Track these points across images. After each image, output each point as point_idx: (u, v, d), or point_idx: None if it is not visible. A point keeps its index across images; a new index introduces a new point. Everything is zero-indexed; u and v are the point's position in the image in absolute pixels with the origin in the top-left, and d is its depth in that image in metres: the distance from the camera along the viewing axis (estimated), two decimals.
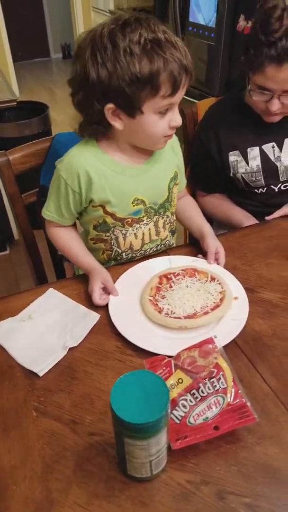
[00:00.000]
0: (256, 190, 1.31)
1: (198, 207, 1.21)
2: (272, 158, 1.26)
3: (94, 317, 0.88)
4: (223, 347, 0.78)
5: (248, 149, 1.26)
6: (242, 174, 1.29)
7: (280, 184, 1.30)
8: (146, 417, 0.52)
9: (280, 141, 1.25)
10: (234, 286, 0.95)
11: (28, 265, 1.38)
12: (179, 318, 0.86)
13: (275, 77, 1.06)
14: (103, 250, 1.07)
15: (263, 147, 1.26)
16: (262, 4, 1.07)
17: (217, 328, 0.86)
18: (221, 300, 0.90)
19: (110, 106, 0.85)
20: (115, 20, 0.82)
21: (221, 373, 0.69)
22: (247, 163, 1.27)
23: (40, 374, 0.78)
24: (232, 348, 0.81)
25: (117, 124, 0.88)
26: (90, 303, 0.92)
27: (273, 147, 1.25)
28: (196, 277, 0.96)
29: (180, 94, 0.86)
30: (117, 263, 1.08)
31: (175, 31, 2.78)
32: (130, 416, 0.52)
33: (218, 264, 1.02)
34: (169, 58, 0.80)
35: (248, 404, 0.67)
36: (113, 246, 1.05)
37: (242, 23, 2.32)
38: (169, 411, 0.61)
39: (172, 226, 1.13)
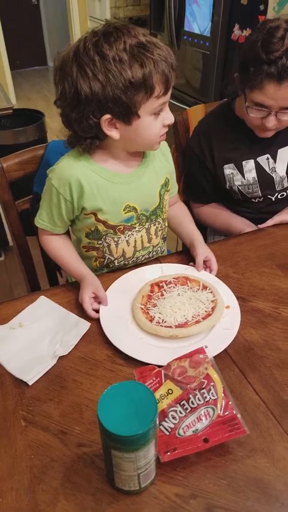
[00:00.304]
0: (253, 200, 1.32)
1: (189, 215, 1.22)
2: (267, 169, 1.27)
3: (84, 325, 0.88)
4: (214, 357, 0.77)
5: (243, 162, 1.26)
6: (238, 187, 1.29)
7: (276, 194, 1.30)
8: (134, 429, 0.51)
9: (274, 152, 1.26)
10: (226, 295, 0.94)
11: (21, 272, 1.37)
12: (170, 327, 0.86)
13: (274, 94, 1.06)
14: (96, 257, 1.07)
15: (258, 159, 1.26)
16: (264, 23, 1.07)
17: (208, 338, 0.85)
18: (213, 309, 0.89)
19: (106, 117, 0.85)
20: (93, 33, 0.83)
21: (211, 384, 0.69)
22: (243, 175, 1.27)
23: (30, 383, 0.77)
24: (223, 358, 0.81)
25: (114, 133, 0.88)
26: (81, 311, 0.91)
27: (267, 159, 1.26)
28: (188, 286, 0.96)
29: (170, 91, 0.88)
30: (109, 270, 1.08)
31: (170, 40, 2.80)
32: (117, 428, 0.51)
33: (210, 272, 1.02)
34: (157, 59, 0.81)
35: (239, 416, 0.66)
36: (106, 254, 1.05)
37: (237, 32, 2.34)
38: (158, 423, 0.61)
39: (163, 233, 1.13)
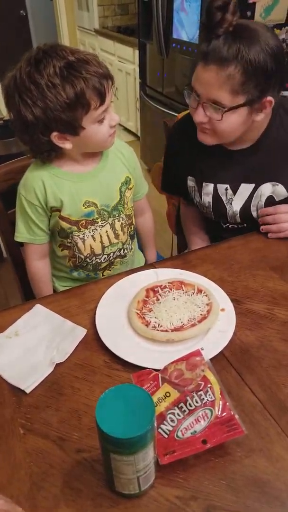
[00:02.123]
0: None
1: (151, 233, 1.33)
2: (224, 199, 1.20)
3: (81, 332, 0.88)
4: (211, 359, 0.78)
5: (204, 183, 1.21)
6: (196, 202, 1.27)
7: (228, 224, 1.27)
8: (132, 432, 0.52)
9: (236, 185, 1.18)
10: (221, 298, 0.95)
11: (15, 282, 1.37)
12: (166, 331, 0.86)
13: (200, 76, 0.99)
14: (68, 257, 1.14)
15: (218, 186, 1.19)
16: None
17: (204, 340, 0.85)
18: (208, 312, 0.90)
19: (54, 134, 0.94)
20: (27, 61, 0.91)
21: (208, 385, 0.69)
22: (200, 196, 1.23)
23: (27, 391, 0.77)
24: (219, 360, 0.81)
25: (66, 145, 0.98)
26: (77, 319, 0.92)
27: (226, 189, 1.19)
28: (183, 290, 0.96)
29: (109, 98, 0.95)
30: (87, 272, 1.15)
31: (159, 48, 2.83)
32: (115, 430, 0.52)
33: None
34: (86, 76, 0.89)
35: (236, 416, 0.67)
36: (76, 253, 1.11)
37: None
38: (156, 425, 0.61)
39: (130, 230, 1.18)
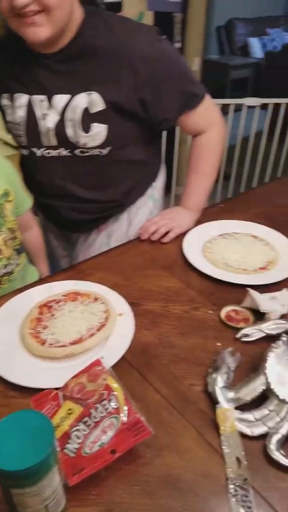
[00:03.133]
0: (23, 151, 1.18)
1: (40, 247, 1.32)
2: (38, 113, 1.10)
3: None
4: (114, 365, 0.77)
5: (16, 95, 1.10)
6: (10, 124, 1.15)
7: (42, 149, 1.15)
8: (30, 461, 0.48)
9: (50, 96, 1.09)
10: (118, 303, 0.95)
11: None
12: (64, 346, 0.83)
13: None
14: None
15: (32, 97, 1.09)
16: None
17: (105, 348, 0.84)
18: (107, 319, 0.89)
19: None
20: None
21: (112, 393, 0.68)
22: (13, 110, 1.12)
23: None
24: (122, 365, 0.81)
25: None
26: None
27: (41, 101, 1.09)
28: (78, 300, 0.94)
29: None
30: None
31: None
32: (10, 463, 0.48)
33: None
34: None
35: (142, 418, 0.66)
36: None
37: None
38: (60, 446, 0.58)
39: (15, 245, 1.12)
